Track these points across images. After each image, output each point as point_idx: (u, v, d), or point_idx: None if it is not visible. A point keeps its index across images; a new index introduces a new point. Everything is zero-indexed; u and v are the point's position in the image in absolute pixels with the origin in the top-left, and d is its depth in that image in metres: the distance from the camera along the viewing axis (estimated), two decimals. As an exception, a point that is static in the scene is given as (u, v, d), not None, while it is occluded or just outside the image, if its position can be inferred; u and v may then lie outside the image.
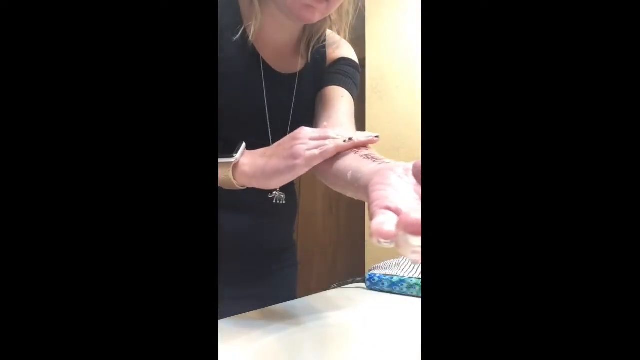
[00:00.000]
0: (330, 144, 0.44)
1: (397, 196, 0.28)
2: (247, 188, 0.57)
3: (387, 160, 0.39)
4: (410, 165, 0.31)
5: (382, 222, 0.23)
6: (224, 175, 0.48)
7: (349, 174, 0.41)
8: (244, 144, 0.50)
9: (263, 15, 0.56)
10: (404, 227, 0.21)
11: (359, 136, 0.46)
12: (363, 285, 0.81)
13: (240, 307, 0.54)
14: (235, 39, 0.56)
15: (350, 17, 0.61)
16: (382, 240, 0.22)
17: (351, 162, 0.43)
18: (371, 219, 0.26)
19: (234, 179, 0.48)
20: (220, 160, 0.48)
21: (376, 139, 0.46)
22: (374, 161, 0.39)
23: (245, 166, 0.48)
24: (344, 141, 0.44)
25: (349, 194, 0.43)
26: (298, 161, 0.44)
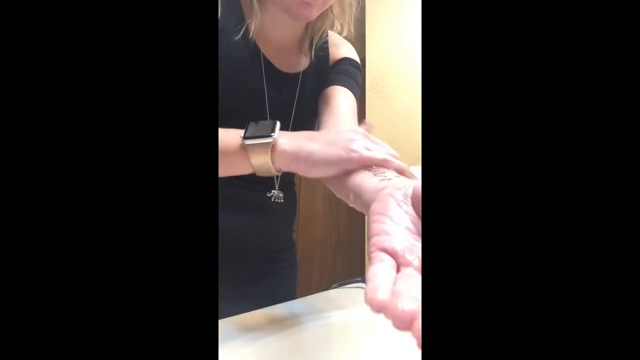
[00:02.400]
0: (381, 150, 0.42)
1: (395, 231, 0.27)
2: (246, 188, 0.57)
3: (387, 173, 0.39)
4: (410, 191, 0.30)
5: (375, 288, 0.21)
6: (260, 159, 0.43)
7: (350, 188, 0.40)
8: (278, 123, 0.45)
9: (264, 13, 0.56)
10: (392, 320, 0.20)
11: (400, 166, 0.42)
12: (363, 285, 0.80)
13: (240, 307, 0.54)
14: (237, 37, 0.55)
15: (354, 10, 0.60)
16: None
17: (352, 175, 0.42)
18: (369, 258, 0.26)
19: (273, 163, 0.43)
20: (249, 142, 0.43)
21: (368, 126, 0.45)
22: (375, 175, 0.39)
23: (285, 145, 0.43)
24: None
25: (351, 204, 0.42)
26: (354, 155, 0.40)
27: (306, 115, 0.64)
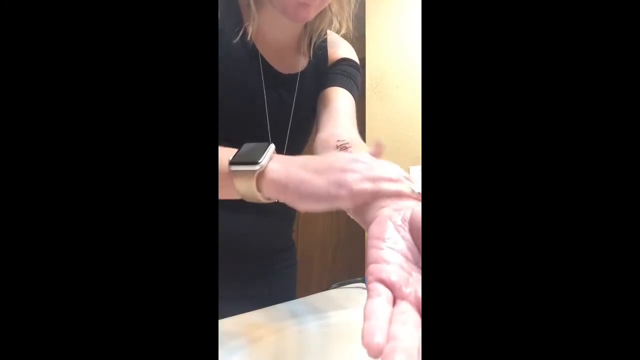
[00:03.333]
0: (390, 189, 0.34)
1: (392, 258, 0.27)
2: None
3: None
4: (409, 214, 0.30)
5: (372, 333, 0.21)
6: (244, 186, 0.38)
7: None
8: (272, 146, 0.39)
9: (262, 15, 0.56)
10: (367, 349, 0.20)
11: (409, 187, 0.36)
12: (363, 285, 0.80)
13: (240, 307, 0.54)
14: (236, 40, 0.55)
15: (353, 6, 0.60)
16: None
17: None
18: (366, 287, 0.26)
19: (259, 190, 0.38)
20: (234, 168, 0.38)
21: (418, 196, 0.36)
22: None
23: (278, 173, 0.38)
24: (411, 190, 0.35)
25: (349, 215, 0.39)
26: (342, 192, 0.34)
27: (305, 115, 0.64)
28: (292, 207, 0.40)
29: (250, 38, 0.56)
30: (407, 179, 0.36)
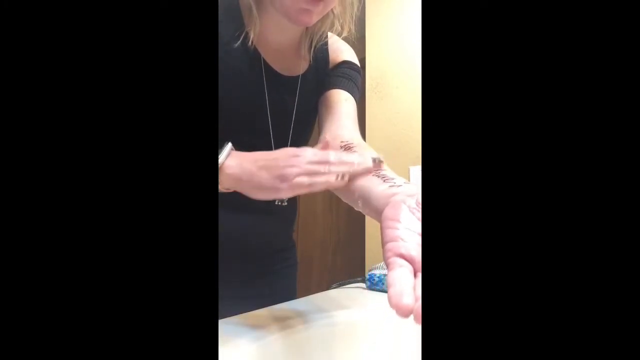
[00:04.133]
0: (321, 180, 0.41)
1: (409, 237, 0.28)
2: None
3: (397, 179, 0.39)
4: (421, 198, 0.31)
5: (400, 294, 0.22)
6: None
7: (357, 194, 0.41)
8: (229, 145, 0.46)
9: (263, 18, 0.56)
10: (418, 320, 0.21)
11: (358, 165, 0.42)
12: (363, 285, 0.80)
13: (240, 307, 0.54)
14: (237, 44, 0.56)
15: (355, 9, 0.59)
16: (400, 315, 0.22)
17: (360, 180, 0.42)
18: (385, 263, 0.27)
19: (220, 183, 0.44)
20: None
21: (379, 164, 0.42)
22: (385, 181, 0.39)
23: (233, 169, 0.44)
24: (337, 178, 0.41)
25: (358, 209, 0.42)
26: (283, 185, 0.41)
27: (307, 117, 0.64)
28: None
29: (252, 41, 0.56)
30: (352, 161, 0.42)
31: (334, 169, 0.41)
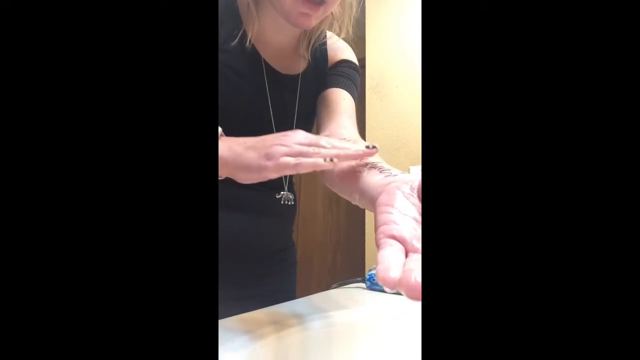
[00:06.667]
0: (308, 161, 0.39)
1: (402, 220, 0.28)
2: (246, 188, 0.57)
3: (393, 170, 0.39)
4: (416, 184, 0.31)
5: (387, 268, 0.22)
6: None
7: (354, 187, 0.40)
8: (219, 130, 0.44)
9: (262, 17, 0.57)
10: (406, 291, 0.21)
11: (349, 150, 0.41)
12: (363, 285, 0.81)
13: (240, 307, 0.54)
14: (234, 42, 0.56)
15: (354, 10, 0.60)
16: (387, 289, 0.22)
17: (356, 172, 0.42)
18: (377, 245, 0.26)
19: None
20: None
21: (372, 150, 0.41)
22: (381, 172, 0.38)
23: (221, 152, 0.43)
24: (326, 160, 0.39)
25: (355, 203, 0.42)
26: (269, 163, 0.39)
27: (308, 115, 0.65)
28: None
29: (250, 41, 0.56)
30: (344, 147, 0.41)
31: (324, 151, 0.40)
